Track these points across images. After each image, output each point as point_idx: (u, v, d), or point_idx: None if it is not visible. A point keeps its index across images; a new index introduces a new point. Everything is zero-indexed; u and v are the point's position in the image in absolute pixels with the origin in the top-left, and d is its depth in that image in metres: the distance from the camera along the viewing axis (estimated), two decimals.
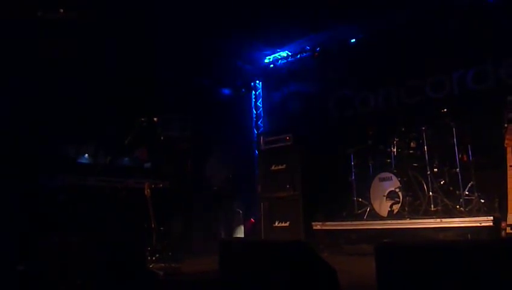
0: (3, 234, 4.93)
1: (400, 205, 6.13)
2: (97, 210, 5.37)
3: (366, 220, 6.45)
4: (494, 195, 5.60)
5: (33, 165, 5.63)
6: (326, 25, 7.75)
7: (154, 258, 5.03)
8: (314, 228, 6.72)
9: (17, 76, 5.99)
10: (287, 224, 7.31)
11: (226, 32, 7.51)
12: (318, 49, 8.55)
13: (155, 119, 5.63)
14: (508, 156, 4.95)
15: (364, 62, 7.87)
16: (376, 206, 6.42)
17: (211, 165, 8.25)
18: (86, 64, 6.67)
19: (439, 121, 6.18)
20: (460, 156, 5.99)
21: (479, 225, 5.19)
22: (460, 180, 5.91)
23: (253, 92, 9.97)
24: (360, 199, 6.82)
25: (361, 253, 5.97)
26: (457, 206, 5.83)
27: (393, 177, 6.32)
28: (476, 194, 5.81)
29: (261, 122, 9.84)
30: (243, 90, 9.68)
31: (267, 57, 9.45)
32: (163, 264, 4.97)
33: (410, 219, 5.87)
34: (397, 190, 6.22)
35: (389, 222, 6.05)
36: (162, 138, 7.19)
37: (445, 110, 6.15)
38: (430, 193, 5.97)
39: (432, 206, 5.91)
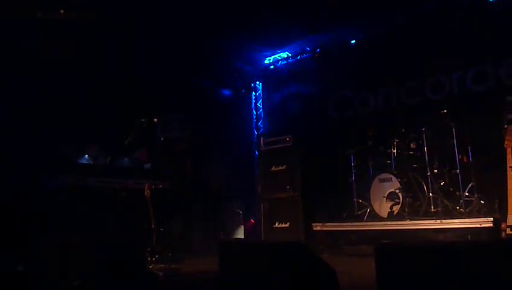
0: (3, 234, 4.92)
1: (400, 206, 6.13)
2: (97, 211, 5.36)
3: (366, 221, 6.45)
4: (494, 196, 5.60)
5: (33, 165, 5.63)
6: (326, 26, 7.75)
7: (154, 258, 5.03)
8: (314, 229, 6.72)
9: (17, 76, 5.99)
10: (287, 225, 7.30)
11: (226, 33, 7.51)
12: (318, 50, 8.55)
13: (155, 120, 5.62)
14: (508, 157, 4.95)
15: (364, 63, 7.88)
16: (376, 207, 6.42)
17: (210, 166, 8.24)
18: (86, 64, 6.66)
19: (439, 122, 6.18)
20: (460, 157, 5.99)
21: (479, 226, 5.19)
22: (460, 181, 5.92)
23: (253, 93, 9.97)
24: (360, 200, 6.82)
25: (361, 254, 5.97)
26: (457, 207, 5.83)
27: (393, 178, 6.32)
28: (476, 195, 5.81)
29: (261, 123, 9.83)
30: (243, 91, 9.67)
31: (267, 58, 9.45)
32: (163, 265, 4.97)
33: (410, 220, 5.87)
34: (397, 191, 6.22)
35: (389, 223, 6.05)
36: (161, 138, 7.19)
37: (445, 111, 6.16)
38: (430, 194, 5.97)
39: (432, 207, 5.92)
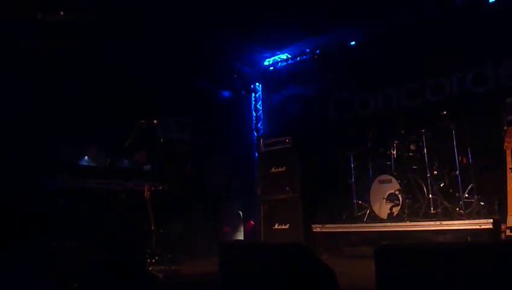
0: (3, 235, 4.92)
1: (399, 207, 6.13)
2: (97, 212, 5.35)
3: (366, 222, 6.45)
4: (493, 197, 5.60)
5: (33, 166, 5.63)
6: (326, 27, 7.76)
7: (153, 260, 5.02)
8: (314, 230, 6.72)
9: (17, 76, 5.99)
10: (286, 226, 7.30)
11: (226, 33, 7.52)
12: (318, 51, 8.55)
13: (155, 121, 5.62)
14: (508, 158, 4.94)
15: (364, 64, 7.88)
16: (376, 209, 6.42)
17: (210, 168, 8.24)
18: (86, 64, 6.66)
19: (439, 123, 6.19)
20: (460, 158, 6.00)
21: (478, 227, 5.20)
22: (460, 183, 5.92)
23: (253, 94, 9.97)
24: (360, 202, 6.82)
25: (361, 255, 5.96)
26: (457, 209, 5.83)
27: (393, 180, 6.32)
28: (475, 196, 5.82)
29: (260, 125, 9.83)
30: (243, 92, 9.67)
31: (267, 60, 9.46)
32: (162, 267, 4.96)
33: (410, 221, 5.87)
34: (397, 193, 6.22)
35: (389, 224, 6.05)
36: (161, 140, 7.18)
37: (444, 112, 6.16)
38: (430, 196, 5.97)
39: (432, 208, 5.92)
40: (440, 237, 5.59)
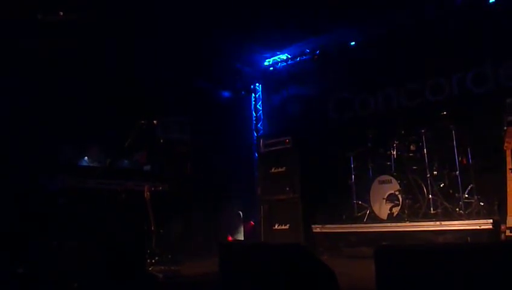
0: (3, 235, 4.92)
1: (399, 207, 6.13)
2: (97, 212, 5.35)
3: (366, 223, 6.45)
4: (493, 198, 5.60)
5: (33, 166, 5.63)
6: (326, 27, 7.76)
7: (153, 260, 5.02)
8: (314, 230, 6.72)
9: (17, 76, 5.99)
10: (286, 227, 7.30)
11: (226, 34, 7.52)
12: (318, 51, 8.55)
13: (155, 121, 5.62)
14: (508, 158, 4.94)
15: (364, 65, 7.89)
16: (376, 209, 6.42)
17: (210, 168, 8.24)
18: (86, 64, 6.66)
19: (439, 123, 6.19)
20: (459, 158, 6.00)
21: (478, 227, 5.20)
22: (459, 183, 5.92)
23: (253, 94, 9.97)
24: (360, 202, 6.82)
25: (361, 256, 5.96)
26: (457, 209, 5.83)
27: (393, 180, 6.32)
28: (475, 197, 5.82)
29: (260, 125, 9.84)
30: (243, 92, 9.68)
31: (267, 60, 9.46)
32: (162, 267, 4.96)
33: (410, 221, 5.87)
34: (397, 193, 6.22)
35: (389, 224, 6.05)
36: (161, 140, 7.18)
37: (444, 112, 6.16)
38: (430, 196, 5.97)
39: (432, 209, 5.92)
40: (440, 238, 5.58)
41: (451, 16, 6.90)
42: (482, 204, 5.76)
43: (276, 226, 7.44)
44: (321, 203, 7.17)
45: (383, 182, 6.45)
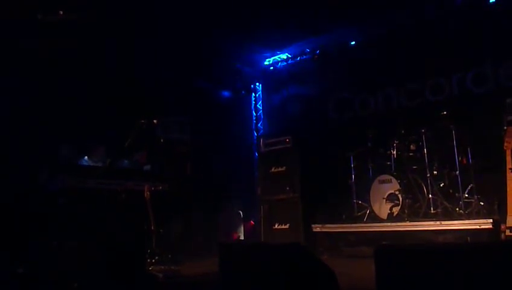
0: (3, 235, 4.92)
1: (399, 207, 6.13)
2: (97, 212, 5.35)
3: (366, 222, 6.45)
4: (493, 197, 5.60)
5: (33, 166, 5.63)
6: (326, 27, 7.76)
7: (153, 260, 5.02)
8: (314, 230, 6.72)
9: (17, 76, 5.99)
10: (286, 226, 7.30)
11: (226, 33, 7.52)
12: (318, 51, 8.55)
13: (155, 121, 5.62)
14: (508, 158, 4.94)
15: (364, 64, 7.89)
16: (376, 209, 6.42)
17: (210, 168, 8.24)
18: (86, 64, 6.66)
19: (439, 123, 6.19)
20: (459, 158, 6.00)
21: (478, 227, 5.20)
22: (459, 183, 5.92)
23: (253, 94, 9.97)
24: (360, 202, 6.82)
25: (361, 255, 5.96)
26: (457, 209, 5.83)
27: (393, 180, 6.32)
28: (475, 196, 5.82)
29: (260, 125, 9.84)
30: (243, 92, 9.67)
31: (267, 59, 9.46)
32: (162, 267, 4.96)
33: (410, 221, 5.87)
34: (397, 193, 6.22)
35: (389, 224, 6.06)
36: (161, 140, 7.18)
37: (444, 112, 6.16)
38: (430, 196, 5.97)
39: (432, 208, 5.92)
40: (440, 237, 5.59)
41: (451, 16, 6.89)
42: (482, 204, 5.76)
43: (276, 226, 7.44)
44: (321, 203, 7.17)
45: (383, 181, 6.45)
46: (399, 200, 6.16)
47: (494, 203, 5.58)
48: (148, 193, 5.17)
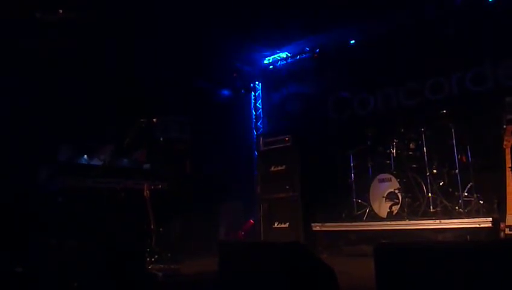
0: (3, 235, 4.92)
1: (399, 206, 6.13)
2: (96, 211, 5.36)
3: (366, 221, 6.45)
4: (493, 196, 5.60)
5: (33, 166, 5.63)
6: (325, 26, 7.76)
7: (153, 259, 5.02)
8: (314, 229, 6.73)
9: (17, 76, 5.99)
10: (286, 225, 7.30)
11: (225, 33, 7.52)
12: (317, 50, 8.55)
13: (154, 120, 5.62)
14: (507, 157, 4.94)
15: (363, 63, 7.89)
16: (375, 207, 6.43)
17: (210, 167, 8.24)
18: (86, 64, 6.67)
19: (438, 122, 6.20)
20: (459, 157, 6.00)
21: (478, 226, 5.21)
22: (459, 182, 5.93)
23: (253, 93, 9.97)
24: (360, 200, 6.83)
25: (361, 254, 5.98)
26: (457, 208, 5.84)
27: (393, 179, 6.33)
28: (475, 195, 5.82)
29: (260, 124, 9.84)
30: (243, 91, 9.67)
31: (267, 58, 9.45)
32: (162, 266, 4.96)
33: (410, 220, 5.87)
34: (396, 191, 6.22)
35: (388, 223, 6.06)
36: (161, 139, 7.18)
37: (444, 111, 6.17)
38: (429, 194, 5.98)
39: (431, 207, 5.93)
40: (439, 236, 5.59)
41: (451, 15, 6.90)
42: (482, 202, 5.76)
43: (275, 225, 7.43)
44: (321, 202, 7.16)
45: (383, 180, 6.46)
46: (398, 199, 6.17)
47: (494, 201, 5.58)
48: (147, 191, 5.17)
